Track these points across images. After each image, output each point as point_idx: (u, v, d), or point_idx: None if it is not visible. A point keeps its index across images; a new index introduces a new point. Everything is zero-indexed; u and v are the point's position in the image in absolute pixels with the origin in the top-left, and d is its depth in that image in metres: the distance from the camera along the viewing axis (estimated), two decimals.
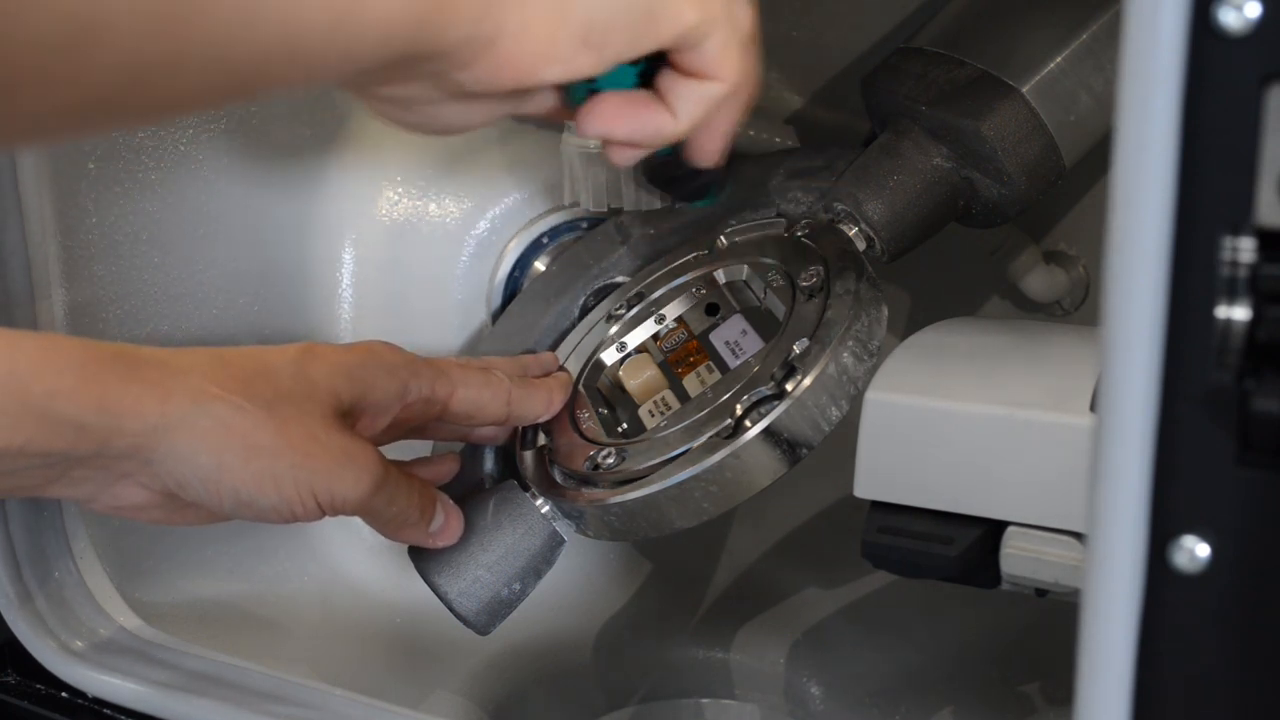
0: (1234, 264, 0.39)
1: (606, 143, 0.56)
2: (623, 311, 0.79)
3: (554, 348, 0.81)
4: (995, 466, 0.59)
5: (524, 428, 0.74)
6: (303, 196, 0.88)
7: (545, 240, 0.88)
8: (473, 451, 0.76)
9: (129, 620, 0.78)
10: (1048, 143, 0.72)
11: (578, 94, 0.54)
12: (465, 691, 0.84)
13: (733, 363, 0.72)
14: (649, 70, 0.55)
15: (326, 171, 0.88)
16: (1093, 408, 0.50)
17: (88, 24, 0.35)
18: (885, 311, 0.70)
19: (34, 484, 0.60)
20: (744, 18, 0.54)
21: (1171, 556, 0.40)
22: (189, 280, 0.83)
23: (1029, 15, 0.74)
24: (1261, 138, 0.37)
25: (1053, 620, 0.73)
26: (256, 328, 0.86)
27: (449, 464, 0.72)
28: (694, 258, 0.79)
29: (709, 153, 0.58)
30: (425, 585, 0.69)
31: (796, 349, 0.66)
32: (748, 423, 0.65)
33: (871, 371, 0.65)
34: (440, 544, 0.68)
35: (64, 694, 0.76)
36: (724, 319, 0.75)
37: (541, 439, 0.74)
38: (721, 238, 0.79)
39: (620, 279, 0.82)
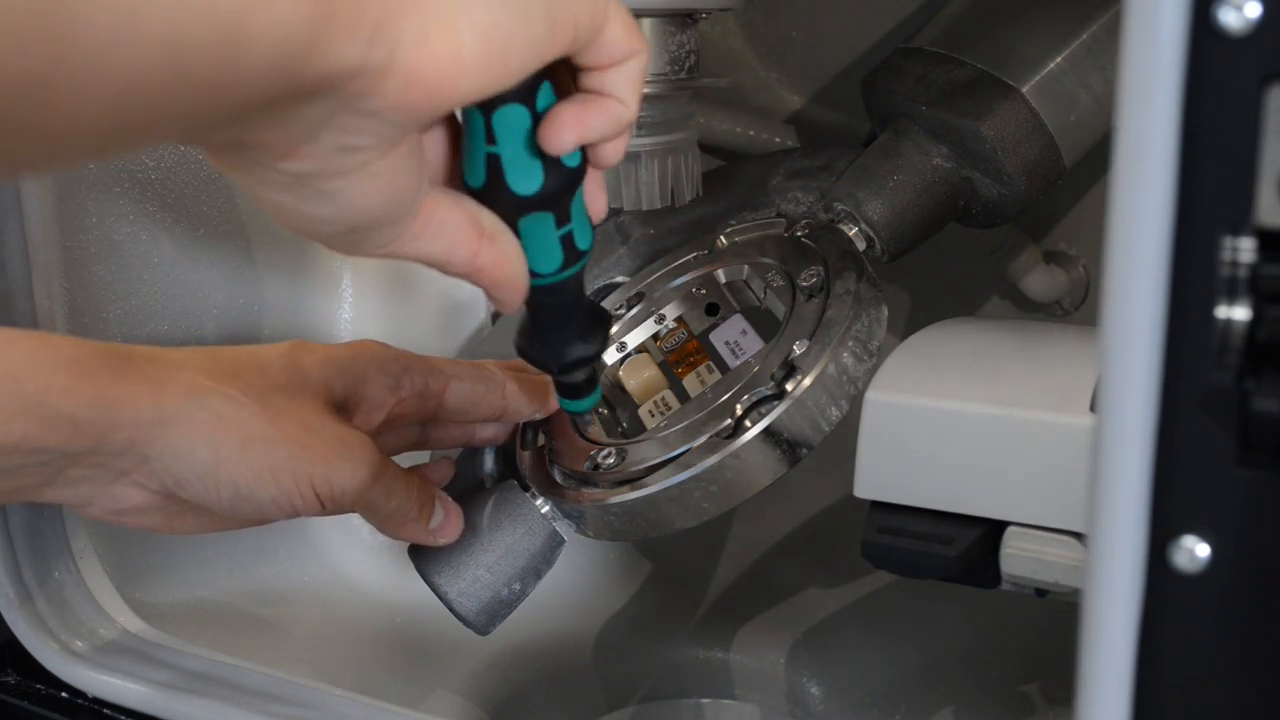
0: (1234, 264, 0.39)
1: (588, 151, 0.52)
2: (623, 311, 0.79)
3: None
4: (995, 466, 0.59)
5: (524, 428, 0.74)
6: None
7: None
8: (472, 451, 0.76)
9: (129, 620, 0.78)
10: (1048, 143, 0.72)
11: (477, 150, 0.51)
12: (465, 691, 0.84)
13: (733, 363, 0.72)
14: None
15: None
16: (1093, 408, 0.50)
17: None
18: (885, 311, 0.70)
19: (31, 484, 0.60)
20: None
21: (1171, 556, 0.40)
22: (189, 280, 0.83)
23: (1029, 15, 0.74)
24: (1261, 138, 0.37)
25: (1053, 620, 0.73)
26: (256, 328, 0.86)
27: (444, 468, 0.72)
28: (694, 258, 0.79)
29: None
30: (425, 585, 0.69)
31: (796, 349, 0.66)
32: (748, 423, 0.65)
33: (871, 371, 0.65)
34: (440, 541, 0.68)
35: (64, 694, 0.76)
36: (724, 319, 0.75)
37: (541, 439, 0.74)
38: (721, 238, 0.79)
39: (620, 279, 0.82)
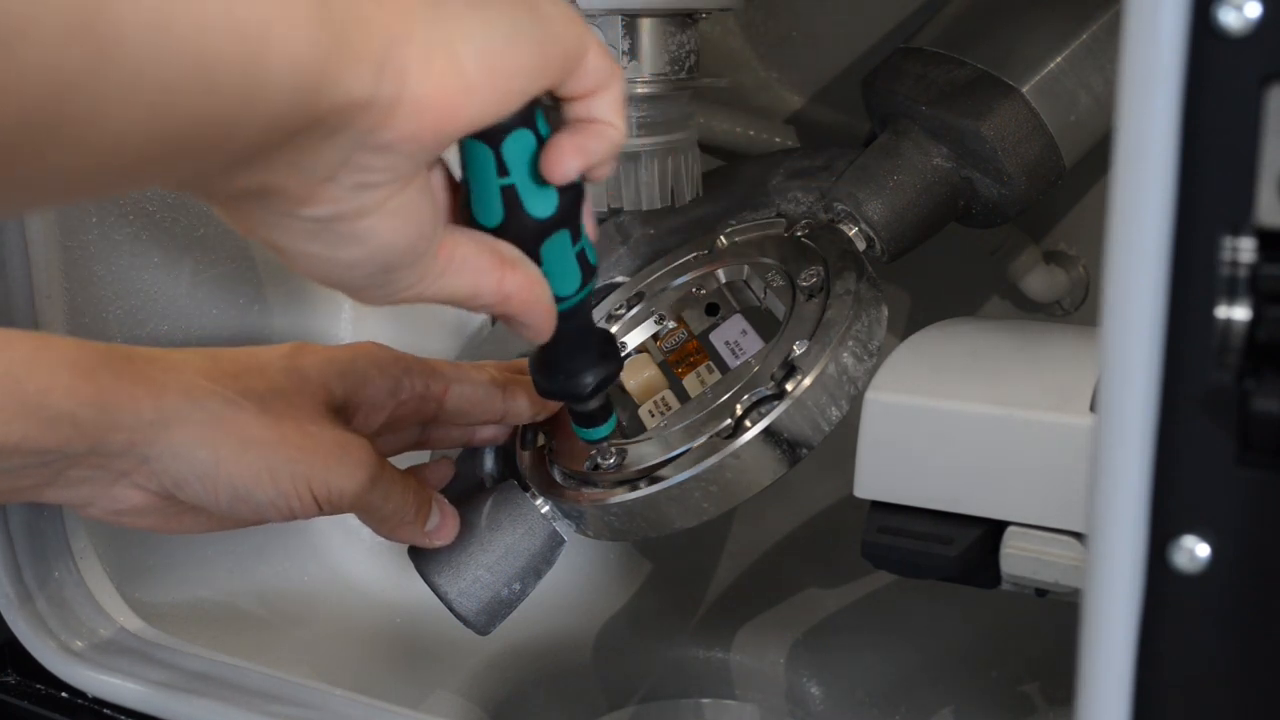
0: (1234, 264, 0.39)
1: (586, 176, 0.53)
2: (623, 311, 0.79)
3: None
4: (995, 466, 0.59)
5: (524, 428, 0.74)
6: None
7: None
8: (473, 451, 0.76)
9: (129, 620, 0.78)
10: (1048, 143, 0.72)
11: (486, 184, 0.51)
12: (465, 691, 0.84)
13: (733, 363, 0.72)
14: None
15: None
16: (1093, 408, 0.50)
17: (15, 16, 0.33)
18: (885, 311, 0.70)
19: (30, 485, 0.60)
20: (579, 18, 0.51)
21: (1171, 556, 0.40)
22: (189, 280, 0.83)
23: (1029, 15, 0.74)
24: (1261, 138, 0.37)
25: (1053, 620, 0.73)
26: (256, 328, 0.86)
27: (443, 469, 0.72)
28: (694, 258, 0.79)
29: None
30: (425, 585, 0.69)
31: (796, 349, 0.66)
32: (748, 423, 0.65)
33: (871, 371, 0.65)
34: (436, 543, 0.68)
35: (64, 694, 0.76)
36: (724, 319, 0.75)
37: (541, 439, 0.74)
38: (721, 238, 0.79)
39: (620, 279, 0.82)
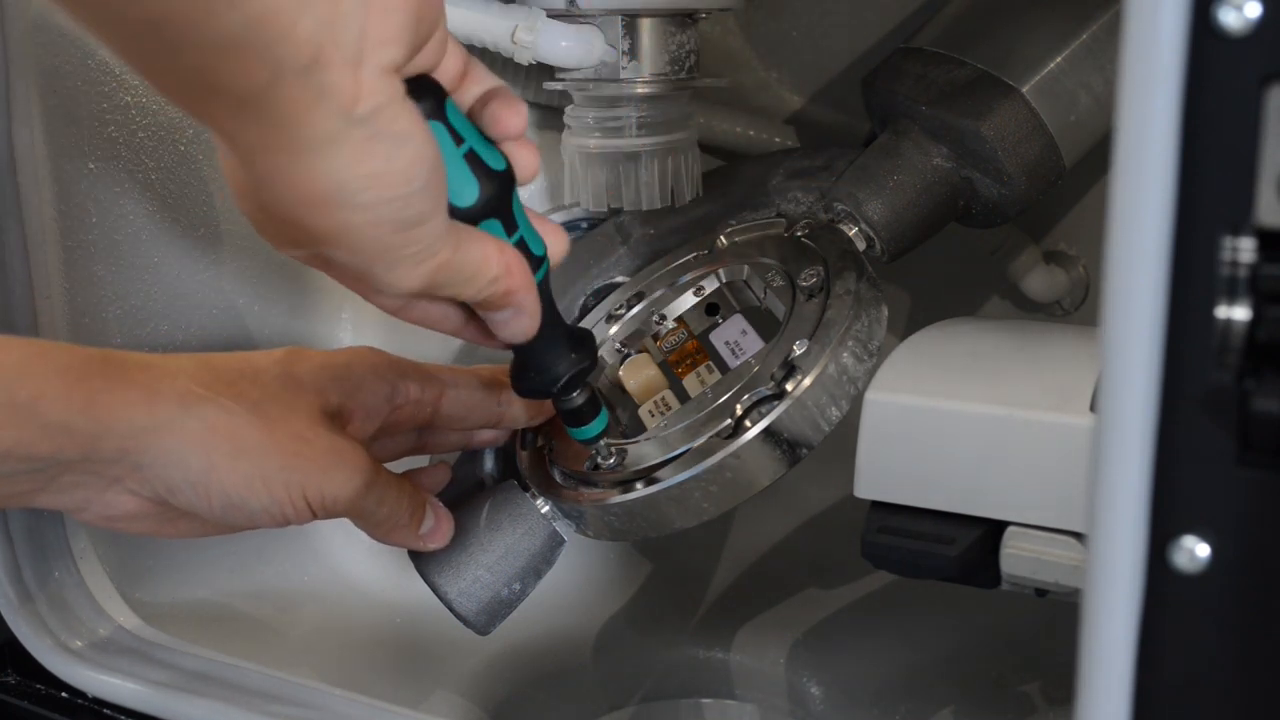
0: (1234, 264, 0.39)
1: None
2: (623, 311, 0.79)
3: None
4: (995, 466, 0.59)
5: (523, 429, 0.74)
6: None
7: None
8: (473, 452, 0.76)
9: (129, 620, 0.78)
10: (1048, 143, 0.72)
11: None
12: (465, 691, 0.84)
13: (733, 363, 0.72)
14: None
15: None
16: (1093, 408, 0.50)
17: None
18: (885, 311, 0.70)
19: (23, 491, 0.60)
20: None
21: (1171, 556, 0.40)
22: (189, 280, 0.83)
23: (1029, 15, 0.74)
24: (1261, 138, 0.37)
25: (1053, 620, 0.73)
26: (256, 328, 0.86)
27: (440, 473, 0.72)
28: (694, 258, 0.79)
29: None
30: (425, 585, 0.69)
31: (796, 349, 0.66)
32: (748, 423, 0.65)
33: (871, 371, 0.65)
34: (430, 546, 0.68)
35: (64, 694, 0.76)
36: (724, 319, 0.75)
37: (541, 439, 0.74)
38: (721, 238, 0.79)
39: (620, 279, 0.82)
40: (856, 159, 0.76)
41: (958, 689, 0.83)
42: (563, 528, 0.70)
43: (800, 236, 0.75)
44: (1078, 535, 0.57)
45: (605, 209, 0.79)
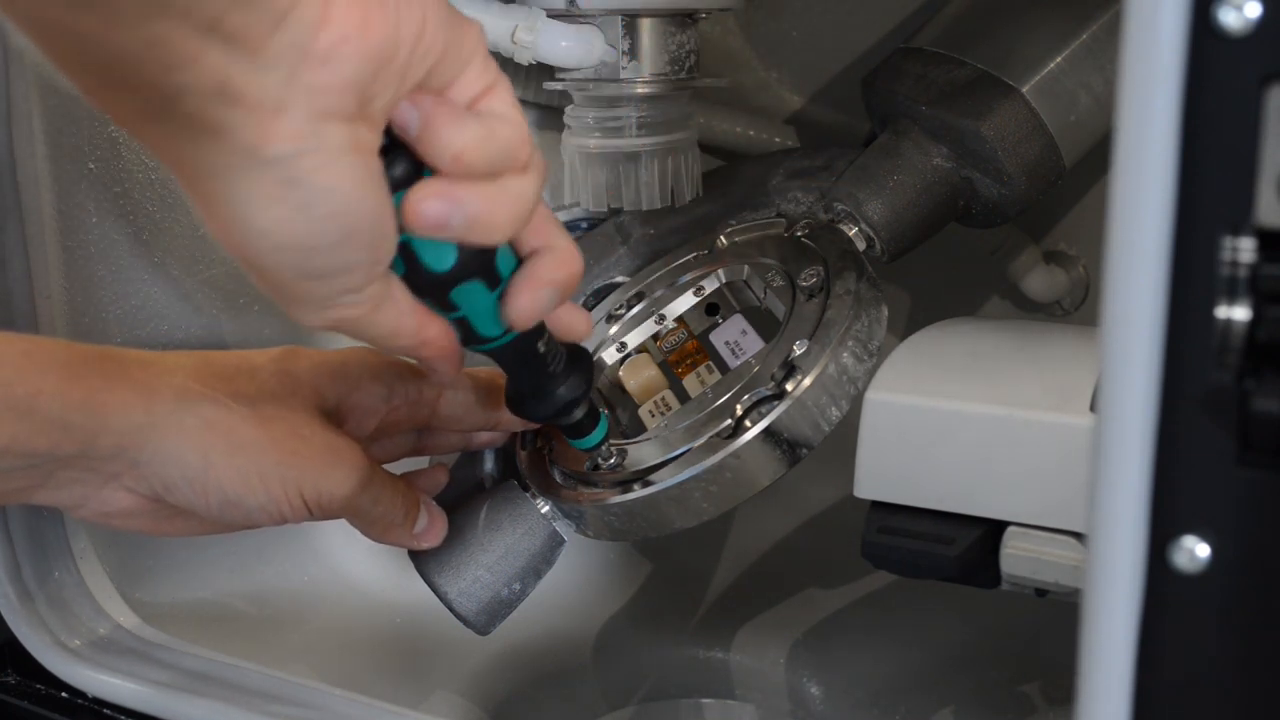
0: (1234, 264, 0.39)
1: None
2: (623, 311, 0.79)
3: None
4: (995, 466, 0.59)
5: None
6: None
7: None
8: (472, 453, 0.76)
9: (129, 620, 0.78)
10: (1048, 143, 0.72)
11: None
12: (465, 691, 0.84)
13: (733, 363, 0.72)
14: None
15: None
16: (1093, 408, 0.50)
17: None
18: (885, 311, 0.70)
19: (20, 487, 0.60)
20: None
21: (1171, 556, 0.40)
22: (189, 280, 0.83)
23: (1029, 15, 0.74)
24: (1261, 138, 0.37)
25: (1053, 620, 0.73)
26: (256, 328, 0.86)
27: (438, 474, 0.72)
28: (694, 258, 0.79)
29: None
30: (425, 585, 0.69)
31: (796, 349, 0.66)
32: (748, 423, 0.65)
33: (871, 371, 0.65)
34: (424, 545, 0.68)
35: (64, 694, 0.76)
36: (724, 319, 0.75)
37: (540, 440, 0.74)
38: (721, 238, 0.79)
39: (620, 279, 0.82)
40: (856, 159, 0.76)
41: (957, 689, 0.83)
42: (563, 528, 0.70)
43: (800, 236, 0.75)
44: (1078, 535, 0.57)
45: (605, 209, 0.79)
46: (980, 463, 0.59)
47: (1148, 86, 0.38)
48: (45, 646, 0.75)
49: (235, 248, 0.46)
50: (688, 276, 0.78)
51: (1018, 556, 0.58)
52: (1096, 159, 0.69)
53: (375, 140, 0.47)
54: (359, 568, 0.89)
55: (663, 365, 0.76)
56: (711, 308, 0.77)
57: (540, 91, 0.82)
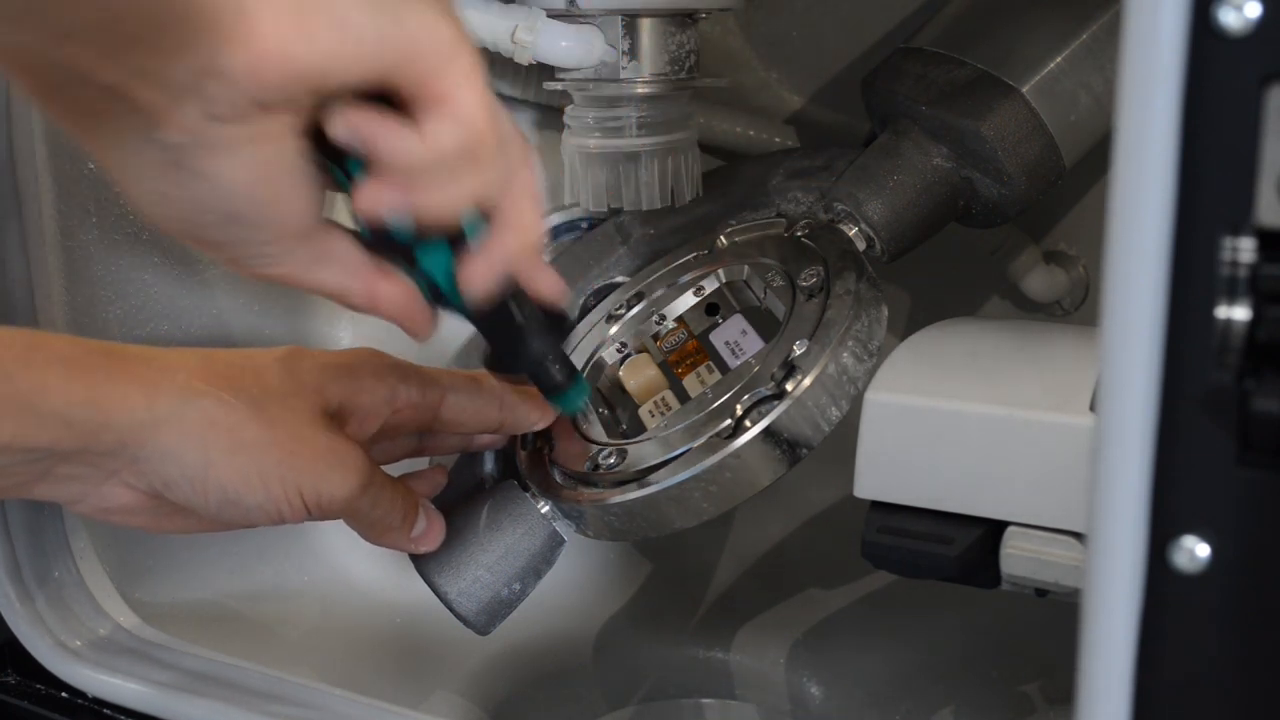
0: (1234, 264, 0.39)
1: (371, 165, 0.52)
2: (623, 311, 0.79)
3: None
4: (995, 466, 0.59)
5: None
6: None
7: (545, 240, 0.88)
8: (472, 454, 0.76)
9: (129, 620, 0.78)
10: (1048, 143, 0.72)
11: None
12: (465, 691, 0.84)
13: (733, 363, 0.72)
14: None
15: None
16: (1093, 408, 0.50)
17: None
18: (885, 311, 0.70)
19: (19, 482, 0.59)
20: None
21: (1171, 556, 0.40)
22: (189, 280, 0.83)
23: (1029, 15, 0.74)
24: (1261, 138, 0.37)
25: (1053, 620, 0.73)
26: (256, 328, 0.86)
27: (437, 476, 0.72)
28: (694, 258, 0.79)
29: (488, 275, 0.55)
30: (425, 585, 0.69)
31: (796, 349, 0.66)
32: (748, 423, 0.65)
33: (871, 371, 0.65)
34: (422, 549, 0.68)
35: (64, 694, 0.76)
36: (724, 319, 0.75)
37: (540, 440, 0.74)
38: (721, 238, 0.79)
39: (620, 279, 0.82)
40: (856, 159, 0.76)
41: (958, 689, 0.83)
42: (563, 528, 0.70)
43: (800, 236, 0.75)
44: (1078, 535, 0.57)
45: (605, 209, 0.79)
46: (980, 463, 0.59)
47: (1148, 86, 0.38)
48: (45, 646, 0.75)
49: (139, 215, 0.50)
50: (688, 276, 0.78)
51: (1018, 556, 0.58)
52: (1096, 159, 0.69)
53: (290, 126, 0.48)
54: (359, 568, 0.89)
55: (663, 365, 0.76)
56: (711, 308, 0.77)
57: (540, 91, 0.82)
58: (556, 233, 0.88)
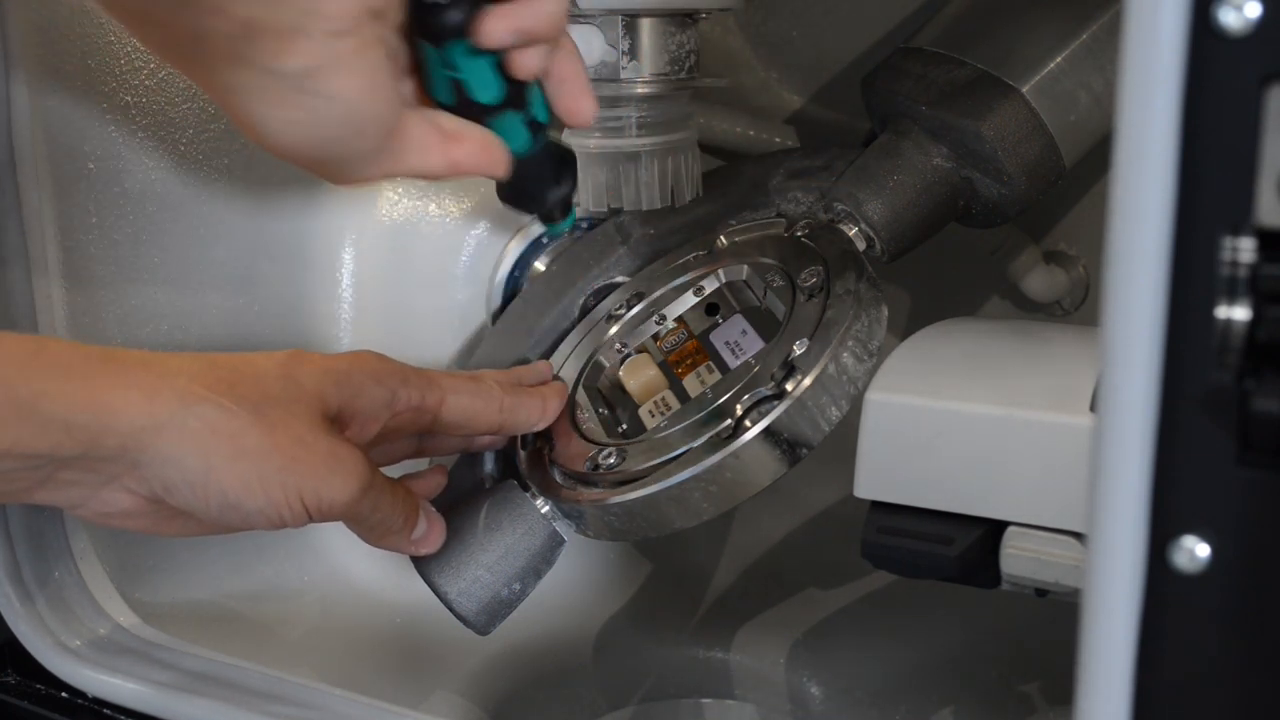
0: (1234, 264, 0.39)
1: (524, 42, 0.57)
2: (623, 311, 0.79)
3: (554, 348, 0.81)
4: (995, 466, 0.59)
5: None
6: (302, 196, 0.88)
7: (545, 240, 0.88)
8: (472, 454, 0.76)
9: (129, 620, 0.78)
10: (1048, 143, 0.72)
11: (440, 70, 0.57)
12: (465, 691, 0.84)
13: (733, 363, 0.72)
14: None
15: None
16: (1093, 408, 0.50)
17: None
18: (885, 311, 0.70)
19: (20, 488, 0.59)
20: None
21: (1171, 556, 0.40)
22: (189, 280, 0.83)
23: (1029, 15, 0.74)
24: (1261, 138, 0.37)
25: (1053, 620, 0.73)
26: (256, 328, 0.86)
27: (437, 477, 0.72)
28: (694, 258, 0.79)
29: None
30: (425, 585, 0.69)
31: (796, 349, 0.66)
32: (748, 423, 0.65)
33: (871, 371, 0.65)
34: (422, 551, 0.68)
35: (64, 694, 0.76)
36: (724, 319, 0.76)
37: (540, 440, 0.74)
38: (721, 238, 0.79)
39: (620, 279, 0.82)
40: (856, 159, 0.76)
41: (958, 689, 0.83)
42: (563, 528, 0.70)
43: (800, 236, 0.75)
44: (1078, 535, 0.57)
45: (605, 209, 0.79)
46: (980, 463, 0.59)
47: (1148, 86, 0.38)
48: (45, 646, 0.75)
49: (263, 146, 0.54)
50: (688, 276, 0.78)
51: (1018, 556, 0.59)
52: (1096, 159, 0.69)
53: (385, 32, 0.53)
54: (359, 568, 0.89)
55: (663, 365, 0.76)
56: (711, 308, 0.77)
57: None
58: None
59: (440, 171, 0.59)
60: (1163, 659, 0.41)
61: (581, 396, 0.75)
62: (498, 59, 0.57)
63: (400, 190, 0.89)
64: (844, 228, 0.74)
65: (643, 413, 0.73)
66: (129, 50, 0.78)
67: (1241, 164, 0.38)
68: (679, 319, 0.77)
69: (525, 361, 0.80)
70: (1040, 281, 0.86)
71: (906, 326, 0.90)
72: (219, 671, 0.74)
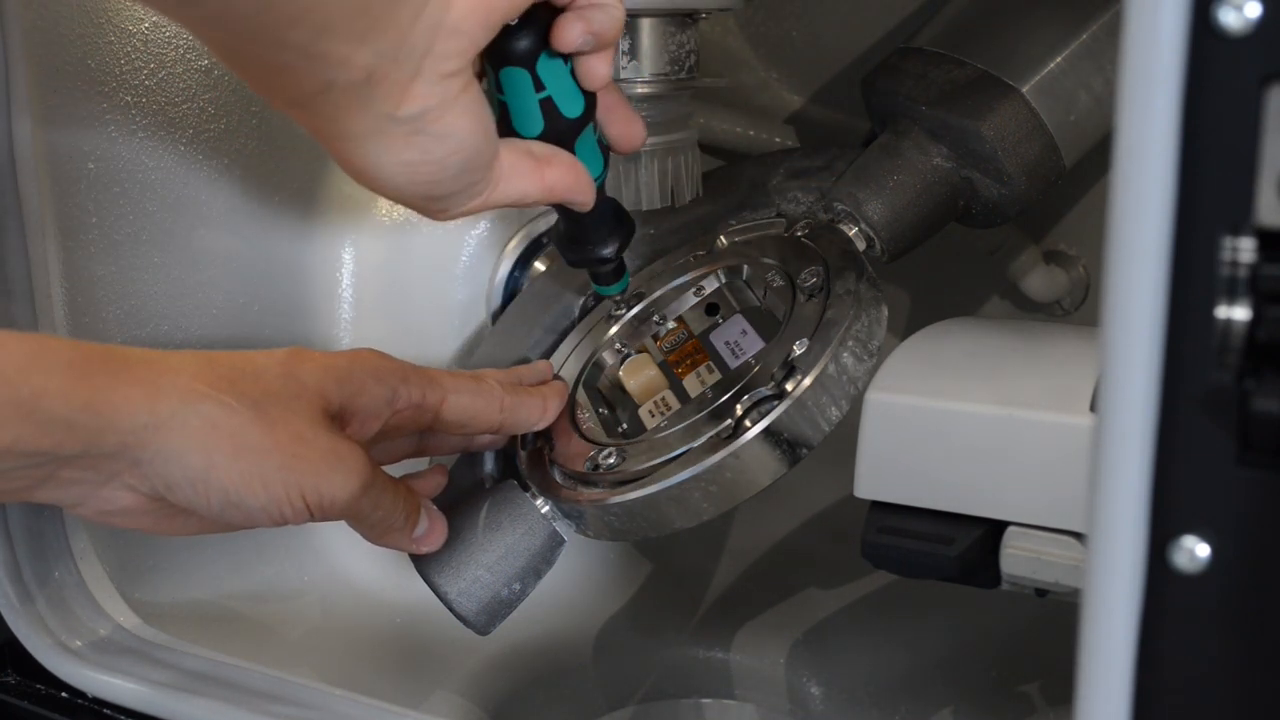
0: (1234, 264, 0.39)
1: (594, 45, 0.60)
2: (622, 311, 0.79)
3: (554, 348, 0.81)
4: (995, 466, 0.59)
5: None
6: (302, 197, 0.88)
7: (545, 240, 0.88)
8: (473, 454, 0.76)
9: (129, 620, 0.78)
10: (1048, 143, 0.72)
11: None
12: (465, 691, 0.84)
13: (733, 363, 0.72)
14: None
15: (326, 171, 0.88)
16: (1093, 408, 0.50)
17: None
18: (885, 311, 0.70)
19: (21, 486, 0.59)
20: None
21: (1171, 556, 0.40)
22: (189, 280, 0.83)
23: (1029, 15, 0.74)
24: (1261, 138, 0.37)
25: (1053, 620, 0.73)
26: (256, 328, 0.86)
27: (437, 477, 0.72)
28: (694, 258, 0.79)
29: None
30: (425, 585, 0.69)
31: (796, 349, 0.66)
32: (748, 423, 0.65)
33: (871, 371, 0.65)
34: (423, 549, 0.68)
35: (64, 694, 0.76)
36: (724, 319, 0.75)
37: (540, 440, 0.74)
38: (721, 238, 0.79)
39: None
40: (856, 159, 0.76)
41: (957, 689, 0.83)
42: (563, 528, 0.70)
43: (800, 236, 0.75)
44: (1078, 535, 0.57)
45: None
46: (980, 463, 0.59)
47: (1148, 86, 0.38)
48: (45, 646, 0.75)
49: (374, 188, 0.57)
50: (688, 276, 0.78)
51: (1018, 556, 0.59)
52: (1096, 159, 0.69)
53: (475, 66, 0.56)
54: (359, 568, 0.89)
55: (663, 365, 0.76)
56: (711, 308, 0.77)
57: None
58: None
59: (536, 196, 0.62)
60: (1163, 659, 0.41)
61: (581, 396, 0.75)
62: (572, 71, 0.61)
63: None
64: (844, 228, 0.74)
65: (643, 413, 0.73)
66: (129, 50, 0.78)
67: (1241, 164, 0.38)
68: (679, 319, 0.77)
69: (525, 361, 0.80)
70: (1040, 281, 0.86)
71: (906, 326, 0.90)
72: (219, 671, 0.74)
